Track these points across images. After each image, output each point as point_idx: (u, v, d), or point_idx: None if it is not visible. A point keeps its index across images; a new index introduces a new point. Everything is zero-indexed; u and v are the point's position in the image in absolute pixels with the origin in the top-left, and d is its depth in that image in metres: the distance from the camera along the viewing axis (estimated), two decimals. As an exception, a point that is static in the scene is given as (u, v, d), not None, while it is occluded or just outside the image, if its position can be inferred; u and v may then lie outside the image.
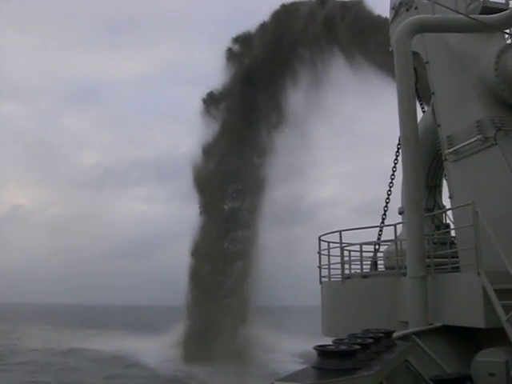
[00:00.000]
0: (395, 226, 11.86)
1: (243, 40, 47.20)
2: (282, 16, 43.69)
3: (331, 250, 12.84)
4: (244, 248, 45.09)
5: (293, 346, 41.19)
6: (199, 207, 47.10)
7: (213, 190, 46.37)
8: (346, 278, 12.64)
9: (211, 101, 47.97)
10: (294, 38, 41.93)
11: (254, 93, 43.89)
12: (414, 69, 11.97)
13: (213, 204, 46.48)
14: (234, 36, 47.62)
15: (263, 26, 45.29)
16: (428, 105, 14.58)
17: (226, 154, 44.99)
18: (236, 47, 47.79)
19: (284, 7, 44.41)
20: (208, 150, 46.82)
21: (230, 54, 47.43)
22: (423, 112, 15.48)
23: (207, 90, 48.16)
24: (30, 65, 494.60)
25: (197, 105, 48.52)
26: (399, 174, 13.36)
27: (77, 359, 43.44)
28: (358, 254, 13.32)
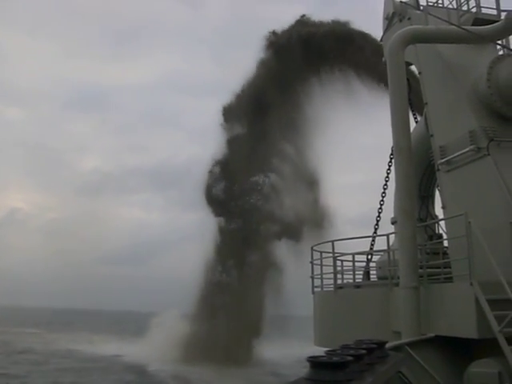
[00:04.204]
0: (388, 235, 11.83)
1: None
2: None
3: (324, 260, 12.81)
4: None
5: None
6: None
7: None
8: (339, 287, 12.59)
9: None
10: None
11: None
12: (407, 79, 12.01)
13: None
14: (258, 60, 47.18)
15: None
16: (421, 115, 14.65)
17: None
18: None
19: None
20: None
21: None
22: (416, 122, 15.53)
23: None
24: (32, 70, 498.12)
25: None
26: (392, 184, 13.39)
27: (75, 362, 42.30)
28: (351, 264, 13.27)
